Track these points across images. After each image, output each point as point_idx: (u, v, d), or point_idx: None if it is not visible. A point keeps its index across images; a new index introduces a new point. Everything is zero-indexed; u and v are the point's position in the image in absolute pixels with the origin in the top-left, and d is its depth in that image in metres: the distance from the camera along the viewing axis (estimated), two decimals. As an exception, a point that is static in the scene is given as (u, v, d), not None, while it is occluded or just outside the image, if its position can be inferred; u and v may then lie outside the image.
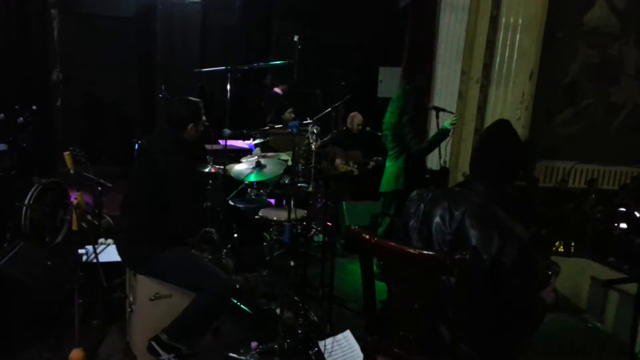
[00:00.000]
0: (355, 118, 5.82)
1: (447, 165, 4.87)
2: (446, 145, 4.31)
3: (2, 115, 4.21)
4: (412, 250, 1.84)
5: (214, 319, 2.94)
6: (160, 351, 2.71)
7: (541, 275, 1.94)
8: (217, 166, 4.25)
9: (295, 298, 3.52)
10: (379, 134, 4.60)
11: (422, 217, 2.00)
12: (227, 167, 4.00)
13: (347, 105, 5.66)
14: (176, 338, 2.73)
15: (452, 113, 4.87)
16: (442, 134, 4.10)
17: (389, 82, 7.26)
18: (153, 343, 2.73)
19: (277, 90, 6.23)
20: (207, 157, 4.31)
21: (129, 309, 3.06)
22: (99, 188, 3.93)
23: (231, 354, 3.00)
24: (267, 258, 3.87)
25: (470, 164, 2.08)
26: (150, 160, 2.83)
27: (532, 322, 1.93)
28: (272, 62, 4.19)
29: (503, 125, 2.08)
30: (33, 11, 5.73)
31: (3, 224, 3.96)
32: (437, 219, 1.95)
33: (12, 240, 3.80)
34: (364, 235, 1.92)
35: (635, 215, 4.67)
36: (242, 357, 2.97)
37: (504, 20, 4.97)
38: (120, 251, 2.98)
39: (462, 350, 1.84)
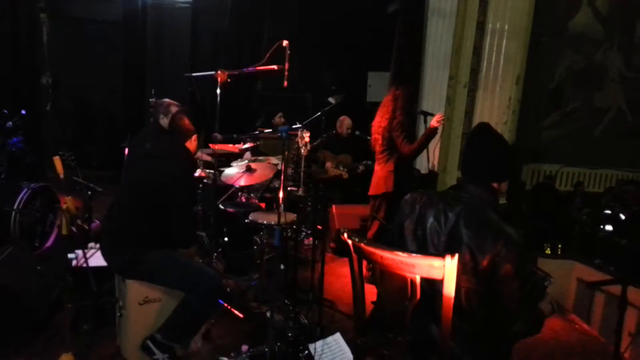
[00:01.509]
0: (345, 122, 5.85)
1: (435, 169, 4.92)
2: (434, 149, 4.36)
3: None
4: (400, 253, 1.87)
5: (205, 316, 2.94)
6: (156, 350, 2.72)
7: (539, 288, 1.96)
8: (208, 170, 4.27)
9: (286, 301, 3.54)
10: (368, 137, 4.64)
11: (417, 218, 2.03)
12: (218, 171, 4.02)
13: (336, 110, 5.70)
14: (170, 337, 2.74)
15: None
16: (431, 132, 4.15)
17: (378, 86, 7.31)
18: (149, 342, 2.73)
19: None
20: (197, 161, 4.33)
21: (119, 314, 3.06)
22: (89, 192, 3.91)
23: (222, 358, 3.01)
24: (257, 262, 3.88)
25: (460, 167, 2.12)
26: (153, 165, 2.84)
27: (527, 326, 1.95)
28: (261, 67, 4.20)
29: (485, 127, 2.13)
30: (22, 16, 5.71)
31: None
32: (431, 220, 1.98)
33: (1, 245, 3.78)
34: (353, 238, 1.94)
35: (620, 218, 4.74)
36: (232, 361, 2.98)
37: (490, 26, 5.03)
38: (105, 255, 2.97)
39: (453, 349, 1.86)
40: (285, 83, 3.66)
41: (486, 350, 1.94)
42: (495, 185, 2.03)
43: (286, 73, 3.67)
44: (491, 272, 1.81)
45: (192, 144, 2.97)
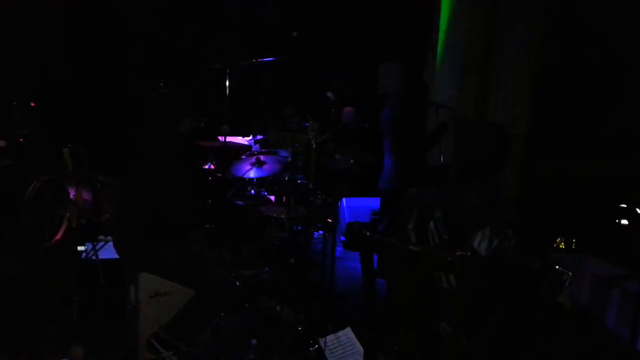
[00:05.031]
0: (346, 112, 5.79)
1: (448, 162, 4.86)
2: (446, 142, 4.29)
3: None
4: (413, 248, 1.84)
5: (212, 316, 2.93)
6: (160, 348, 2.71)
7: (558, 282, 1.93)
8: (217, 162, 4.25)
9: (296, 295, 3.52)
10: (378, 130, 4.59)
11: (418, 218, 2.00)
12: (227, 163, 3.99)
13: (346, 102, 5.67)
14: (175, 335, 2.73)
15: (453, 109, 4.84)
16: (442, 128, 4.08)
17: (389, 78, 7.24)
18: (152, 340, 2.73)
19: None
20: (207, 154, 4.30)
21: (129, 306, 3.05)
22: (98, 185, 3.91)
23: (231, 351, 3.00)
24: (267, 255, 3.87)
25: (456, 164, 2.06)
26: (147, 156, 2.82)
27: (550, 319, 1.92)
28: (270, 59, 4.17)
29: (476, 120, 2.09)
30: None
31: (2, 221, 3.95)
32: (433, 220, 1.96)
33: (11, 237, 3.79)
34: (365, 232, 1.91)
35: (636, 211, 4.65)
36: (242, 354, 2.96)
37: (504, 15, 4.94)
38: (117, 248, 2.97)
39: (464, 345, 1.84)
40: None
41: (499, 346, 1.91)
42: (492, 176, 2.00)
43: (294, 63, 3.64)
44: (497, 267, 1.78)
45: (185, 125, 2.92)
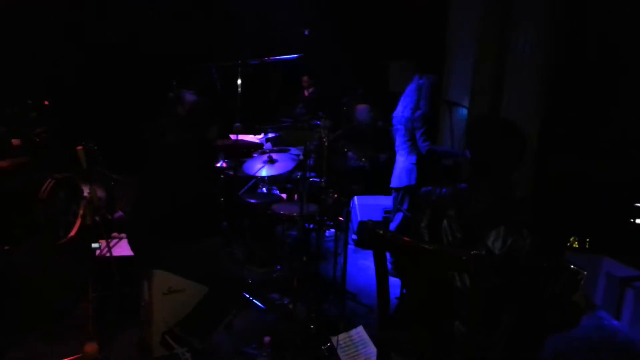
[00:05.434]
0: (360, 110, 5.77)
1: (461, 160, 4.84)
2: (460, 141, 4.28)
3: (15, 108, 4.24)
4: (427, 246, 1.83)
5: (226, 314, 2.95)
6: (174, 344, 2.73)
7: (573, 281, 1.92)
8: (229, 161, 4.27)
9: (308, 293, 3.52)
10: (390, 128, 4.58)
11: (431, 216, 2.00)
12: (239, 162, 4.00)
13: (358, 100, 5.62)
14: (189, 332, 2.75)
15: (465, 107, 4.82)
16: (458, 153, 4.13)
17: (400, 76, 7.19)
18: (167, 337, 2.75)
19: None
20: (219, 153, 4.33)
21: (143, 303, 3.07)
22: (112, 182, 3.94)
23: (244, 349, 3.01)
24: (279, 253, 3.87)
25: (470, 162, 2.04)
26: (175, 159, 2.86)
27: (565, 318, 1.90)
28: (281, 57, 4.17)
29: (491, 117, 2.08)
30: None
31: (16, 219, 3.98)
32: (446, 218, 1.95)
33: (25, 235, 3.83)
34: (378, 230, 1.90)
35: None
36: (255, 352, 2.97)
37: (517, 12, 4.89)
38: (132, 245, 2.99)
39: (477, 344, 1.83)
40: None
41: (513, 346, 1.90)
42: (508, 175, 1.98)
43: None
44: (512, 266, 1.77)
45: (213, 133, 2.99)
